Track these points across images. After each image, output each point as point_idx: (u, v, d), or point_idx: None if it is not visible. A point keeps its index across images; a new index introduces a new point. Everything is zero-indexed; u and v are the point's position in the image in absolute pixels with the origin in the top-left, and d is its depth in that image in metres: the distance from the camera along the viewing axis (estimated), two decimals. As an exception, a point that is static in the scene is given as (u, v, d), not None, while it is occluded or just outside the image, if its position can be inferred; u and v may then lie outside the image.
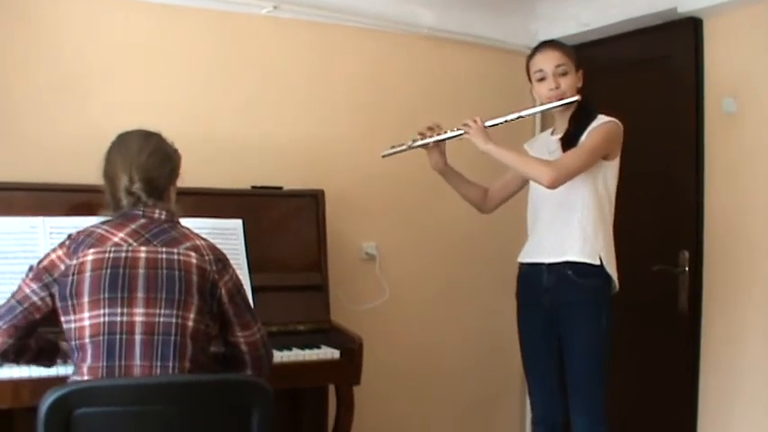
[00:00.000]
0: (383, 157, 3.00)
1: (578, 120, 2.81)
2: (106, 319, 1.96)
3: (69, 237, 2.08)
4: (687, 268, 3.41)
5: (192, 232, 2.16)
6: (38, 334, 2.12)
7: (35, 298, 2.03)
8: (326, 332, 3.05)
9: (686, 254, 3.41)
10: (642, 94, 3.66)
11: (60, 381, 2.03)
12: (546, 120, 3.74)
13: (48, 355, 2.23)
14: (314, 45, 3.57)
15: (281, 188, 3.27)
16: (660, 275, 3.48)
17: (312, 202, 3.25)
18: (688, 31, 3.42)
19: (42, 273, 2.04)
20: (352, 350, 2.91)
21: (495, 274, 3.94)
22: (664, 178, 3.56)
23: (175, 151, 2.22)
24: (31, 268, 2.07)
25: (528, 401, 4.05)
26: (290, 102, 3.51)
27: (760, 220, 3.19)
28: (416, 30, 3.76)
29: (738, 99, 3.25)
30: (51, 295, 2.03)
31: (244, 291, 2.21)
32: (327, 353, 2.91)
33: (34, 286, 2.04)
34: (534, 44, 4.02)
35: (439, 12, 3.80)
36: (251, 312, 2.22)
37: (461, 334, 3.95)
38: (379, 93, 3.73)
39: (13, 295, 2.06)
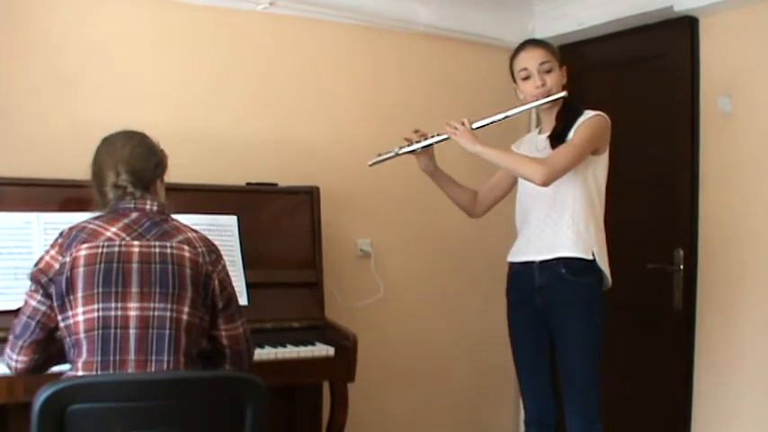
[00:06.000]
0: (370, 165, 2.96)
1: (565, 116, 2.79)
2: (100, 314, 1.96)
3: (61, 234, 2.06)
4: (682, 267, 3.41)
5: (183, 225, 2.15)
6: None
7: (43, 308, 2.02)
8: (321, 329, 3.05)
9: (681, 252, 3.42)
10: (638, 92, 3.67)
11: (55, 377, 2.02)
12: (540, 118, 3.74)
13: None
14: (310, 42, 3.57)
15: (276, 185, 3.26)
16: (655, 274, 3.48)
17: (307, 198, 3.24)
18: (684, 29, 3.43)
19: (40, 276, 2.02)
20: (346, 347, 2.91)
21: (489, 271, 3.94)
22: (659, 177, 3.57)
23: (161, 151, 2.22)
24: (30, 278, 2.05)
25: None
26: (285, 98, 3.51)
27: (754, 219, 3.19)
28: (413, 27, 3.76)
29: (734, 98, 3.26)
30: (50, 296, 2.01)
31: (232, 283, 2.20)
32: (322, 350, 2.91)
33: (38, 296, 2.02)
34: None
35: (435, 9, 3.79)
36: (236, 305, 2.21)
37: (456, 331, 3.95)
38: (376, 90, 3.73)
39: (22, 312, 2.05)
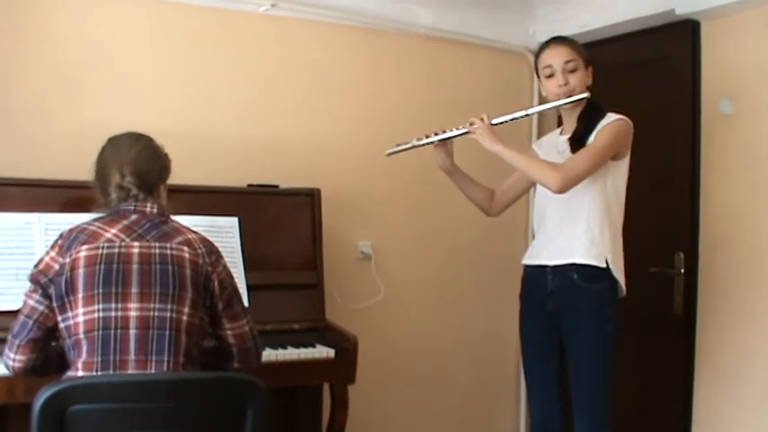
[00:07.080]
0: (388, 155, 2.96)
1: (587, 118, 2.74)
2: (101, 314, 1.97)
3: (61, 236, 2.08)
4: (683, 270, 3.41)
5: (183, 226, 2.17)
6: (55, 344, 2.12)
7: (41, 307, 2.03)
8: (321, 331, 3.05)
9: (682, 256, 3.42)
10: (640, 95, 3.67)
11: (55, 378, 2.02)
12: (545, 116, 3.74)
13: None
14: (311, 44, 3.57)
15: (276, 186, 3.26)
16: (656, 277, 3.48)
17: (308, 200, 3.24)
18: (685, 33, 3.43)
19: (39, 277, 2.03)
20: (346, 349, 2.91)
21: (490, 273, 3.95)
22: (660, 179, 3.56)
23: (166, 155, 2.24)
24: (30, 279, 2.06)
25: (523, 402, 4.08)
26: (286, 100, 3.51)
27: (756, 222, 3.19)
28: (414, 29, 3.76)
29: (735, 101, 3.26)
30: (49, 296, 2.02)
31: (234, 282, 2.21)
32: (322, 352, 2.90)
33: (36, 296, 2.04)
34: (533, 45, 4.07)
35: (437, 11, 3.79)
36: (240, 305, 2.22)
37: (456, 333, 3.94)
38: (377, 92, 3.73)
39: (20, 311, 2.07)
